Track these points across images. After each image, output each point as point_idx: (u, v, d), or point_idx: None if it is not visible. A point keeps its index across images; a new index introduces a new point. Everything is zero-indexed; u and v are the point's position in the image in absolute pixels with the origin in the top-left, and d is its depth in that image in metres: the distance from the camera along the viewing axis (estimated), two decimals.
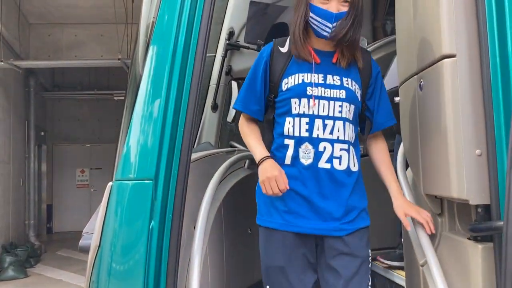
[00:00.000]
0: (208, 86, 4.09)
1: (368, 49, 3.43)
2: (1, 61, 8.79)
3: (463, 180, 1.57)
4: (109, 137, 13.16)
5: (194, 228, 1.82)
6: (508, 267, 1.29)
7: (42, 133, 13.00)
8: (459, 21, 1.59)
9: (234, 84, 4.35)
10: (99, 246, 1.62)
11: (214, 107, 4.02)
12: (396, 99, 2.23)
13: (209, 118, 4.03)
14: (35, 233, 11.73)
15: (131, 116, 1.76)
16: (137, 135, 1.70)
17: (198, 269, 1.69)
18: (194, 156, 2.20)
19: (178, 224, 1.56)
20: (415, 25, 1.90)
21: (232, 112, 4.34)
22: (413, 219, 1.82)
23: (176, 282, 1.59)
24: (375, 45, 3.46)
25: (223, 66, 4.00)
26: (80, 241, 1.79)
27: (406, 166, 2.22)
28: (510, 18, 1.51)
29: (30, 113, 11.64)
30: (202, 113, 4.02)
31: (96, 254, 1.63)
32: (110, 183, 1.65)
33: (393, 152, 2.36)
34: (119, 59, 9.23)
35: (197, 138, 3.93)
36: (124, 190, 1.60)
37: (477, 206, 1.60)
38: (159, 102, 1.71)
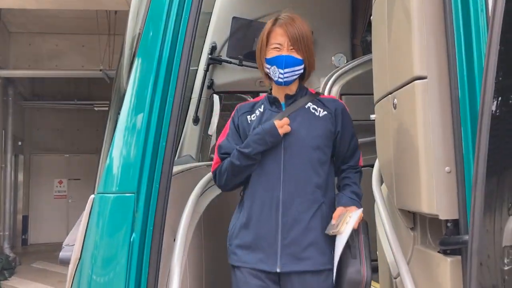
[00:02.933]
0: (190, 99, 4.14)
1: (347, 67, 3.55)
2: None
3: (433, 196, 1.64)
4: (89, 148, 13.03)
5: (174, 240, 1.85)
6: (473, 280, 1.36)
7: (20, 143, 12.81)
8: (430, 45, 1.68)
9: (215, 98, 4.41)
10: (79, 258, 1.64)
11: (196, 120, 4.06)
12: (372, 116, 2.31)
13: (190, 131, 4.07)
14: (9, 244, 11.51)
15: (114, 128, 1.80)
16: (119, 148, 1.73)
17: (177, 281, 1.72)
18: (175, 169, 2.23)
19: (159, 236, 1.59)
20: (389, 46, 1.99)
21: (213, 126, 4.39)
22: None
23: None
24: (354, 63, 3.56)
25: (205, 79, 4.06)
26: (60, 253, 1.80)
27: (381, 181, 2.30)
28: (477, 42, 1.61)
29: (8, 122, 11.50)
30: (184, 126, 4.06)
31: (77, 267, 1.65)
32: (92, 196, 1.68)
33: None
34: (100, 70, 9.23)
35: (178, 150, 3.96)
36: (106, 203, 1.63)
37: (447, 220, 1.68)
38: (142, 116, 1.75)
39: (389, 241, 1.94)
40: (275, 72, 1.92)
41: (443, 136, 1.66)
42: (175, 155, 3.81)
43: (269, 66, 1.94)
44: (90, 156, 12.60)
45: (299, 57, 1.91)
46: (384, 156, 2.14)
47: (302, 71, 1.95)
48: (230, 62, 4.03)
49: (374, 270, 2.54)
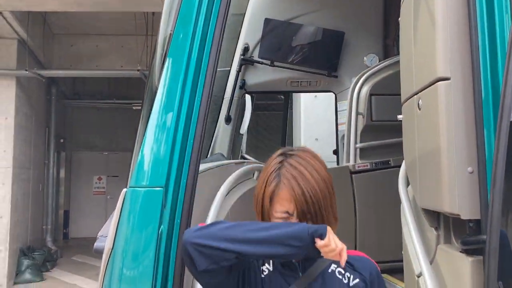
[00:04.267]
0: (223, 99, 4.23)
1: (377, 67, 3.55)
2: (26, 70, 9.11)
3: (455, 195, 1.65)
4: (127, 146, 13.41)
5: None
6: (491, 280, 1.37)
7: (62, 140, 13.33)
8: (453, 47, 1.69)
9: (247, 97, 4.49)
10: (112, 248, 1.75)
11: (228, 120, 4.15)
12: (399, 117, 2.32)
13: (223, 130, 4.16)
14: (52, 238, 12.01)
15: (146, 126, 1.89)
16: (150, 145, 1.82)
17: None
18: (205, 166, 2.32)
19: (186, 229, 1.67)
20: (415, 47, 2.01)
21: (244, 125, 4.48)
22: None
23: (183, 285, 1.70)
24: (384, 63, 3.56)
25: (237, 80, 4.15)
26: (95, 243, 1.91)
27: (408, 183, 2.31)
28: (501, 43, 1.61)
29: (51, 120, 11.98)
30: (216, 125, 4.16)
31: (109, 256, 1.75)
32: (124, 190, 1.78)
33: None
34: (138, 70, 9.48)
35: (211, 148, 4.07)
36: (136, 197, 1.73)
37: (469, 220, 1.69)
38: (172, 114, 1.83)
39: (413, 240, 1.96)
40: None
41: (466, 136, 1.66)
42: (208, 153, 3.91)
43: None
44: (128, 154, 12.95)
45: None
46: (409, 156, 2.15)
47: None
48: (262, 63, 4.10)
49: (399, 270, 2.56)
